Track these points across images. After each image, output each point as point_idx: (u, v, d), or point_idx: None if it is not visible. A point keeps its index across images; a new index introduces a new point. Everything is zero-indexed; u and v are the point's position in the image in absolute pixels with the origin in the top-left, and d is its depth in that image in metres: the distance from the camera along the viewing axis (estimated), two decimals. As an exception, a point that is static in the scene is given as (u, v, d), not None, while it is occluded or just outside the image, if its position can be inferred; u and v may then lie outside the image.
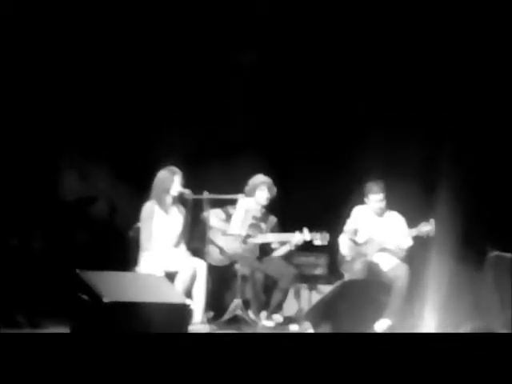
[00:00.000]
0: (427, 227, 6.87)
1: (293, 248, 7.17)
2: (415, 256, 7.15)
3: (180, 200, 6.81)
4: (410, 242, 7.05)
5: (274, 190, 7.23)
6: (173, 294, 5.49)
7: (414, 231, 6.95)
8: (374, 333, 6.33)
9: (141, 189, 6.96)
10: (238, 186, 7.14)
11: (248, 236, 7.04)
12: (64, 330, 5.20)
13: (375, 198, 7.09)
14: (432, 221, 6.86)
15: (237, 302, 6.70)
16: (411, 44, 7.77)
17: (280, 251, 7.21)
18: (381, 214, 7.16)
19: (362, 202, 7.25)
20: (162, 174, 6.78)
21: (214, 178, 7.15)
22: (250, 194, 7.16)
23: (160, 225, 6.71)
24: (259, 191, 7.19)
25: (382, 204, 7.11)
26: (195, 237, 6.94)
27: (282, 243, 7.18)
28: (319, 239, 7.00)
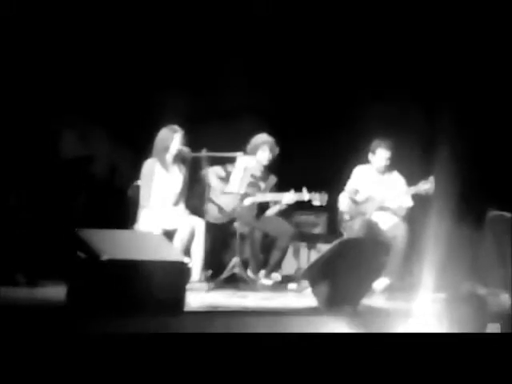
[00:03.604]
0: (426, 185, 6.88)
1: (284, 207, 7.12)
2: (414, 215, 7.16)
3: (180, 158, 6.81)
4: (410, 203, 7.06)
5: (276, 150, 7.19)
6: (171, 252, 5.45)
7: (413, 189, 6.97)
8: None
9: (140, 148, 6.96)
10: (238, 145, 7.11)
11: (246, 194, 7.02)
12: (62, 288, 5.18)
13: (383, 155, 7.09)
14: (431, 178, 6.87)
15: (235, 260, 6.67)
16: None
17: (272, 210, 7.17)
18: (383, 172, 7.16)
19: (363, 162, 7.25)
20: (163, 133, 6.78)
21: (214, 138, 7.11)
22: (252, 153, 7.11)
23: (160, 183, 6.71)
24: (261, 151, 7.15)
25: (387, 162, 7.12)
26: (194, 195, 6.95)
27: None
28: (318, 199, 6.96)
